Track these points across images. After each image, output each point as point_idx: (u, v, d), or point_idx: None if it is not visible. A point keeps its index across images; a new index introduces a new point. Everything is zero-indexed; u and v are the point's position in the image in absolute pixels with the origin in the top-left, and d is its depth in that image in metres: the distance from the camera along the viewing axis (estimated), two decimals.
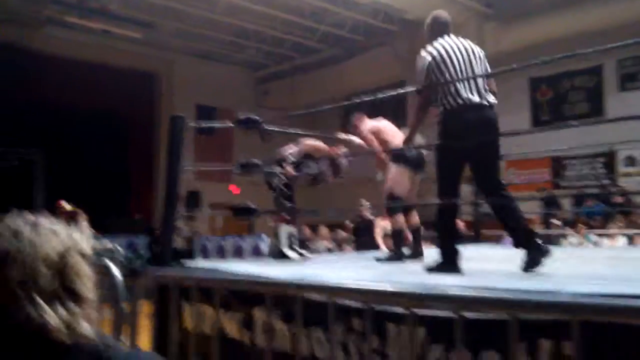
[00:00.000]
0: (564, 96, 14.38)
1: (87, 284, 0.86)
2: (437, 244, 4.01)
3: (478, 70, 3.96)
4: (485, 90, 3.91)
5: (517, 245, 3.77)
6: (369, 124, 5.79)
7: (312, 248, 9.44)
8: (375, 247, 8.75)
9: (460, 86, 3.84)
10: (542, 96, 14.70)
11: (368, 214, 9.98)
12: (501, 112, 4.04)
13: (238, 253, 13.60)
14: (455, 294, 1.78)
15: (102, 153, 15.25)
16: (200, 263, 4.84)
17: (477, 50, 4.06)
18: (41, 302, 0.78)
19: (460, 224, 5.61)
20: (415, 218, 5.53)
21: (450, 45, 4.01)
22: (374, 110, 18.25)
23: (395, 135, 5.66)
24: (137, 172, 17.32)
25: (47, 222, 0.87)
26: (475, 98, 3.82)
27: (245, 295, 3.59)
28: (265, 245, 13.01)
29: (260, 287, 2.50)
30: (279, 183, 5.76)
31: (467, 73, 3.89)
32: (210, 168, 14.76)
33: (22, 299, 0.77)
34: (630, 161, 13.16)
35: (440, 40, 4.06)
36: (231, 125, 4.40)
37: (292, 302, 2.52)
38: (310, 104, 14.44)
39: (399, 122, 17.01)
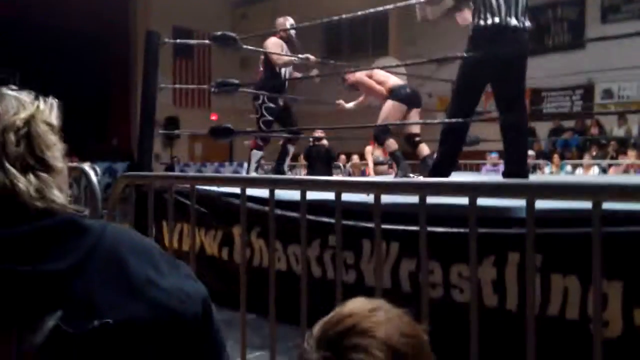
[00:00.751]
0: (547, 27, 14.28)
1: (55, 153, 0.85)
2: (434, 161, 4.04)
3: None
4: (524, 13, 3.77)
5: (506, 174, 3.77)
6: (359, 73, 5.97)
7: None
8: (329, 174, 8.79)
9: (500, 3, 3.68)
10: None
11: (324, 141, 9.93)
12: None
13: None
14: (421, 180, 1.83)
15: (79, 75, 14.90)
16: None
17: None
18: (10, 167, 0.78)
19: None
20: (425, 149, 5.61)
21: None
22: (356, 42, 17.90)
23: (388, 75, 5.85)
24: (114, 96, 17.02)
25: (11, 91, 0.87)
26: (513, 20, 3.69)
27: (225, 214, 3.65)
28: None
29: (233, 184, 2.52)
30: (263, 107, 5.80)
31: None
32: (186, 86, 14.54)
33: None
34: (608, 94, 13.26)
35: None
36: (208, 43, 4.31)
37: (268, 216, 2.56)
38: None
39: (380, 52, 16.72)
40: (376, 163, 9.08)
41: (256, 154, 5.89)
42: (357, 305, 0.84)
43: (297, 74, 6.28)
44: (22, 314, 0.73)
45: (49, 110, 0.88)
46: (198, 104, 17.18)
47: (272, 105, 5.81)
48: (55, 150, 0.86)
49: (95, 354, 0.74)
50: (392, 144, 5.58)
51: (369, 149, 9.13)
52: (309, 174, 9.73)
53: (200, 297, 0.87)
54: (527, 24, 3.77)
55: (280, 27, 5.82)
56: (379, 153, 9.12)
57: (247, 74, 15.11)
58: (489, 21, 3.68)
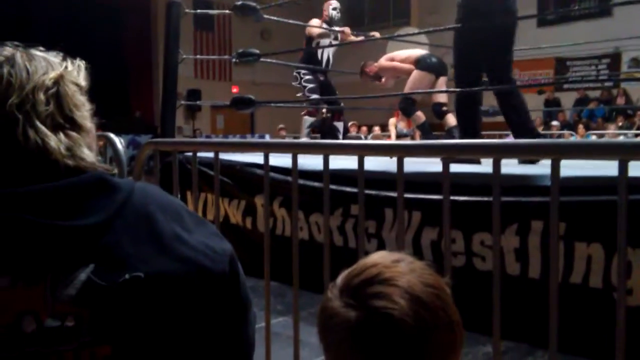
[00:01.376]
0: None
1: (84, 112, 0.86)
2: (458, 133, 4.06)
3: None
4: None
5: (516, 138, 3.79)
6: (379, 61, 5.95)
7: None
8: None
9: None
10: None
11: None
12: None
13: None
14: (444, 142, 1.82)
15: (100, 48, 14.92)
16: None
17: None
18: (41, 125, 0.79)
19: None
20: (451, 120, 5.58)
21: None
22: (377, 11, 17.66)
23: (408, 50, 5.85)
24: (136, 68, 17.06)
25: (39, 52, 0.88)
26: None
27: (247, 184, 3.68)
28: None
29: (255, 149, 2.53)
30: (303, 81, 6.09)
31: None
32: (207, 57, 14.50)
33: (21, 122, 0.78)
34: (635, 63, 12.96)
35: None
36: (228, 13, 4.30)
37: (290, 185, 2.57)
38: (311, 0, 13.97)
39: (402, 22, 16.49)
40: (399, 135, 8.99)
41: (307, 120, 6.16)
42: (380, 256, 0.85)
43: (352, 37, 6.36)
44: (55, 266, 0.75)
45: (76, 71, 0.89)
46: (219, 77, 17.19)
47: (310, 77, 6.15)
48: (84, 110, 0.87)
49: (126, 306, 0.76)
50: (419, 116, 5.53)
51: (392, 120, 9.03)
52: None
53: (227, 254, 0.88)
54: None
55: (324, 12, 6.16)
56: (402, 125, 9.04)
57: (268, 45, 15.09)
58: None
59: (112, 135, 2.64)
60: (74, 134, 0.83)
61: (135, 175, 2.38)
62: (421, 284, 0.79)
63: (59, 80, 0.84)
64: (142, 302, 0.77)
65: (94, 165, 0.83)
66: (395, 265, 0.82)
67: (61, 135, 0.81)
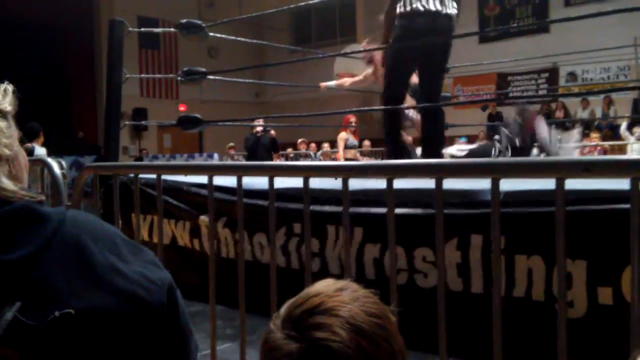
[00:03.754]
0: (511, 12, 14.45)
1: (2, 139, 0.82)
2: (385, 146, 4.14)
3: None
4: None
5: (424, 155, 3.92)
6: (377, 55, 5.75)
7: None
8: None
9: None
10: (489, 12, 14.74)
11: (272, 131, 10.01)
12: None
13: None
14: (387, 163, 1.84)
15: (41, 66, 14.54)
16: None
17: None
18: None
19: (409, 139, 5.63)
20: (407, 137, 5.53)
21: None
22: (324, 29, 17.80)
23: None
24: (78, 87, 16.69)
25: None
26: (431, 6, 3.75)
27: (192, 204, 3.62)
28: None
29: (199, 172, 2.50)
30: None
31: None
32: (152, 76, 14.29)
33: None
34: (572, 77, 13.46)
35: None
36: (174, 31, 4.25)
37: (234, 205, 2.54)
38: (257, 18, 13.98)
39: (348, 39, 16.68)
40: (348, 147, 9.03)
41: None
42: (324, 285, 0.83)
43: None
44: None
45: (1, 96, 0.85)
46: (166, 95, 16.96)
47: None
48: (3, 137, 0.82)
49: (57, 345, 0.73)
50: (405, 136, 5.44)
51: (342, 135, 9.09)
52: None
53: (165, 284, 0.85)
54: (452, 10, 3.81)
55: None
56: (353, 137, 9.11)
57: (215, 63, 15.00)
58: (407, 8, 3.77)
59: (49, 160, 2.56)
60: None
61: (74, 200, 2.31)
62: (364, 314, 0.79)
63: None
64: (74, 339, 0.74)
65: (17, 194, 0.79)
66: (338, 294, 0.81)
67: None
